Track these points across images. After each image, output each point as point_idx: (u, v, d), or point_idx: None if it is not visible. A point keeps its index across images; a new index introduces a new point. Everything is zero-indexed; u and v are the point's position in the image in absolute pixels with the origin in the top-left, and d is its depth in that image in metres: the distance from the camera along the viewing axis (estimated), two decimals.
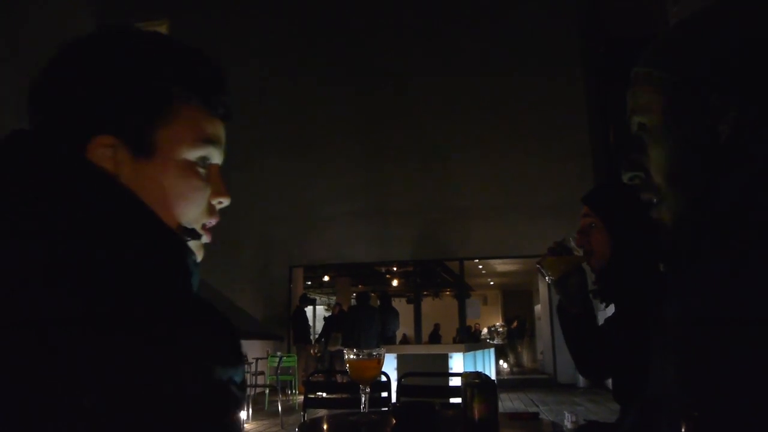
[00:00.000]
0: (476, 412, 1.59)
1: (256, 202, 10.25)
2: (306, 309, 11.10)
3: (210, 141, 0.66)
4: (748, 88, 0.62)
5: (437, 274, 14.77)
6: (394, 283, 15.95)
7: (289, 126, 10.83)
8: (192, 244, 0.66)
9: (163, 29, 10.97)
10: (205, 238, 0.69)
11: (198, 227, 0.67)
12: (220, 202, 0.70)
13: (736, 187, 0.60)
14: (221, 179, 0.70)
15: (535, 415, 1.95)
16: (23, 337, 0.46)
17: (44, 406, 0.44)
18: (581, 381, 9.55)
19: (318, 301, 17.90)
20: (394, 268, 14.53)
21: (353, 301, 10.58)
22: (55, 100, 0.62)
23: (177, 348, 0.49)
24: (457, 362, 6.64)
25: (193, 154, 0.65)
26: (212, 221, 0.69)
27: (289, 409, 7.42)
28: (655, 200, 0.72)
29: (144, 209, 0.58)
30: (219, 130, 0.68)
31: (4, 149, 0.59)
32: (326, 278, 15.74)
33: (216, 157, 0.68)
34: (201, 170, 0.66)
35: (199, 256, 0.68)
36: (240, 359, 0.54)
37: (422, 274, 13.42)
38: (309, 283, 15.19)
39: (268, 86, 10.88)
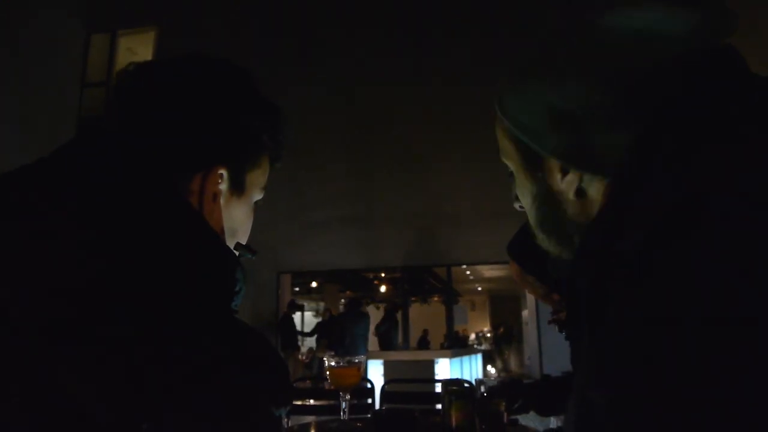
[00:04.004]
0: (454, 419, 1.62)
1: None
2: (294, 315, 11.08)
3: (265, 189, 0.77)
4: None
5: (425, 280, 14.80)
6: (383, 289, 15.95)
7: None
8: None
9: (151, 37, 10.97)
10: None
11: None
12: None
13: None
14: None
15: (515, 421, 1.97)
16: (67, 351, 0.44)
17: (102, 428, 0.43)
18: None
19: (306, 307, 17.86)
20: (382, 274, 14.54)
21: (342, 308, 10.58)
22: (173, 124, 0.64)
23: (240, 388, 0.49)
24: (444, 368, 6.67)
25: (257, 197, 0.75)
26: None
27: None
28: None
29: (212, 236, 0.60)
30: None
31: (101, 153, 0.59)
32: (314, 284, 15.71)
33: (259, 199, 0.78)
34: None
35: None
36: (291, 399, 0.56)
37: (410, 280, 13.44)
38: (297, 289, 15.15)
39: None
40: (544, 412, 1.73)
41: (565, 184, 0.61)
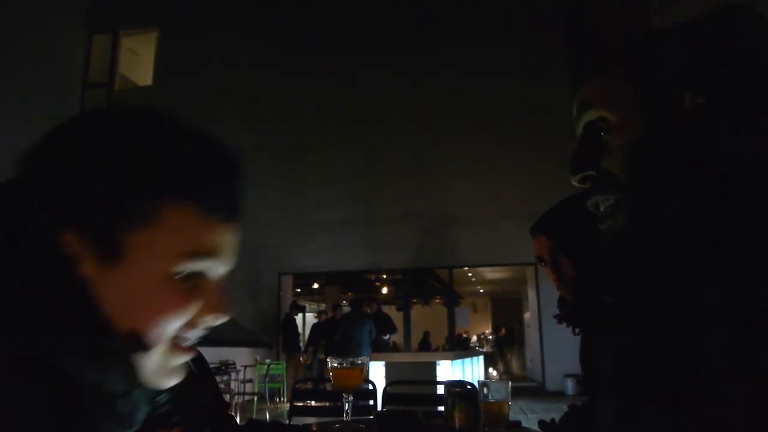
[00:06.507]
0: (457, 421, 1.61)
1: (246, 209, 10.21)
2: (295, 317, 11.10)
3: (202, 254, 0.55)
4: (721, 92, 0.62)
5: (427, 282, 14.78)
6: (384, 290, 15.95)
7: (279, 133, 10.85)
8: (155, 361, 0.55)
9: (153, 37, 10.98)
10: (180, 358, 0.57)
11: (167, 340, 0.55)
12: (216, 318, 0.58)
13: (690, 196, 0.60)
14: (220, 293, 0.58)
15: (518, 423, 1.96)
16: None
17: None
18: (569, 388, 9.58)
19: (307, 309, 17.86)
20: (384, 276, 14.53)
21: (344, 309, 10.53)
22: (37, 184, 0.54)
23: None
24: (445, 370, 6.66)
25: (178, 267, 0.54)
26: (195, 335, 0.58)
27: (277, 417, 7.40)
28: (605, 203, 0.68)
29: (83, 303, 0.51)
30: (219, 237, 0.58)
31: None
32: (316, 286, 15.72)
33: (215, 268, 0.58)
34: (186, 285, 0.55)
35: (165, 381, 0.57)
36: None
37: (412, 281, 13.42)
38: (298, 290, 15.16)
39: (260, 93, 10.89)
40: None
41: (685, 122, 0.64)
